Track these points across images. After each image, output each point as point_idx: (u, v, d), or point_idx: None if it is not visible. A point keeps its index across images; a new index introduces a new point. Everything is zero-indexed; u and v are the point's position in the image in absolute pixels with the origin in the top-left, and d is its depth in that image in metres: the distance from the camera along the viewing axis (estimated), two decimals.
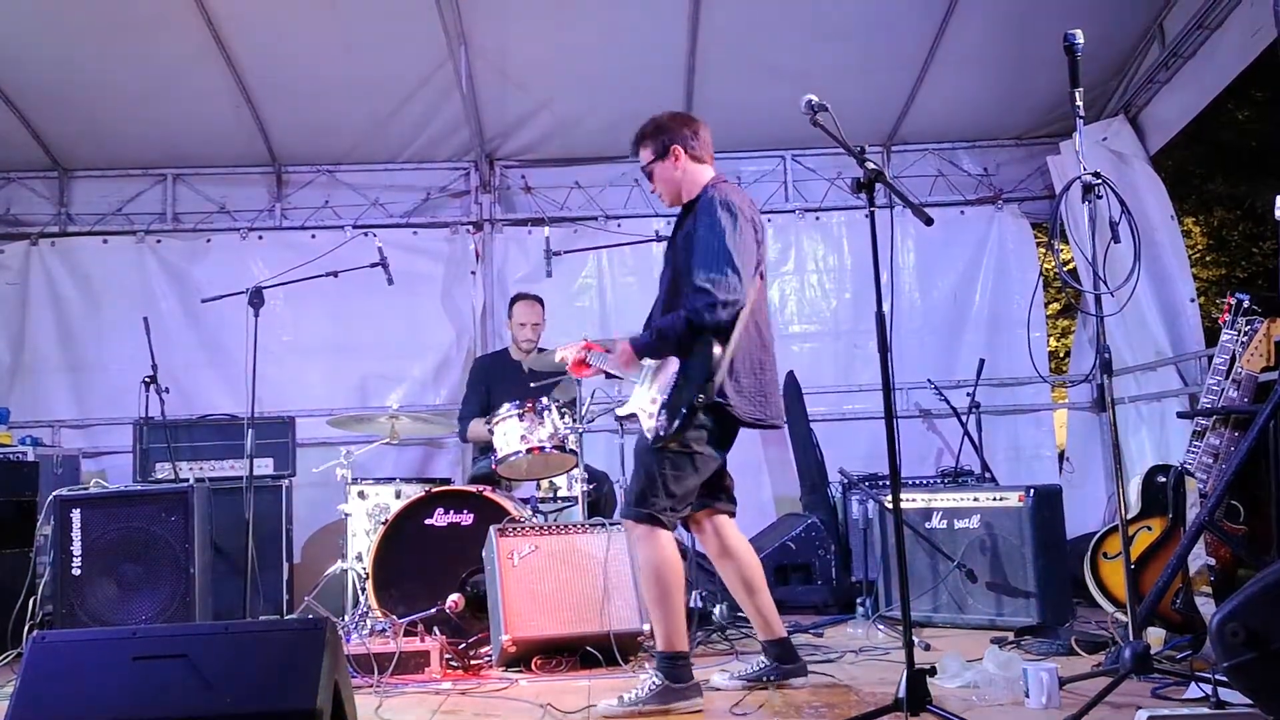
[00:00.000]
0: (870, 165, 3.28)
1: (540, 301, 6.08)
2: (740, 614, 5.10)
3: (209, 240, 7.11)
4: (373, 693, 3.96)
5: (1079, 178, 3.59)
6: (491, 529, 4.54)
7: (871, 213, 3.28)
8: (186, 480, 5.78)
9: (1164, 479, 4.23)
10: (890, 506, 3.65)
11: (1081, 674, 3.59)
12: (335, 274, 5.42)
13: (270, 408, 6.13)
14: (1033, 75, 6.50)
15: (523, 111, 6.86)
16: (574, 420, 5.03)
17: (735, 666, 4.04)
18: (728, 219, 3.61)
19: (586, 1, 6.09)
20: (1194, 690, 3.26)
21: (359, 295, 6.49)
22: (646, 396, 3.69)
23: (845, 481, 6.20)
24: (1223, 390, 4.33)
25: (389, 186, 7.22)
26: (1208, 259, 12.19)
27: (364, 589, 4.96)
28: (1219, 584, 4.01)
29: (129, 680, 2.47)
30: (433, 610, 4.63)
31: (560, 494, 5.44)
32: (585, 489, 5.09)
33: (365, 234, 6.43)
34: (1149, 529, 4.21)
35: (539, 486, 5.47)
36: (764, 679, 3.85)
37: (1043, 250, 8.24)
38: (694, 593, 5.03)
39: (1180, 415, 5.25)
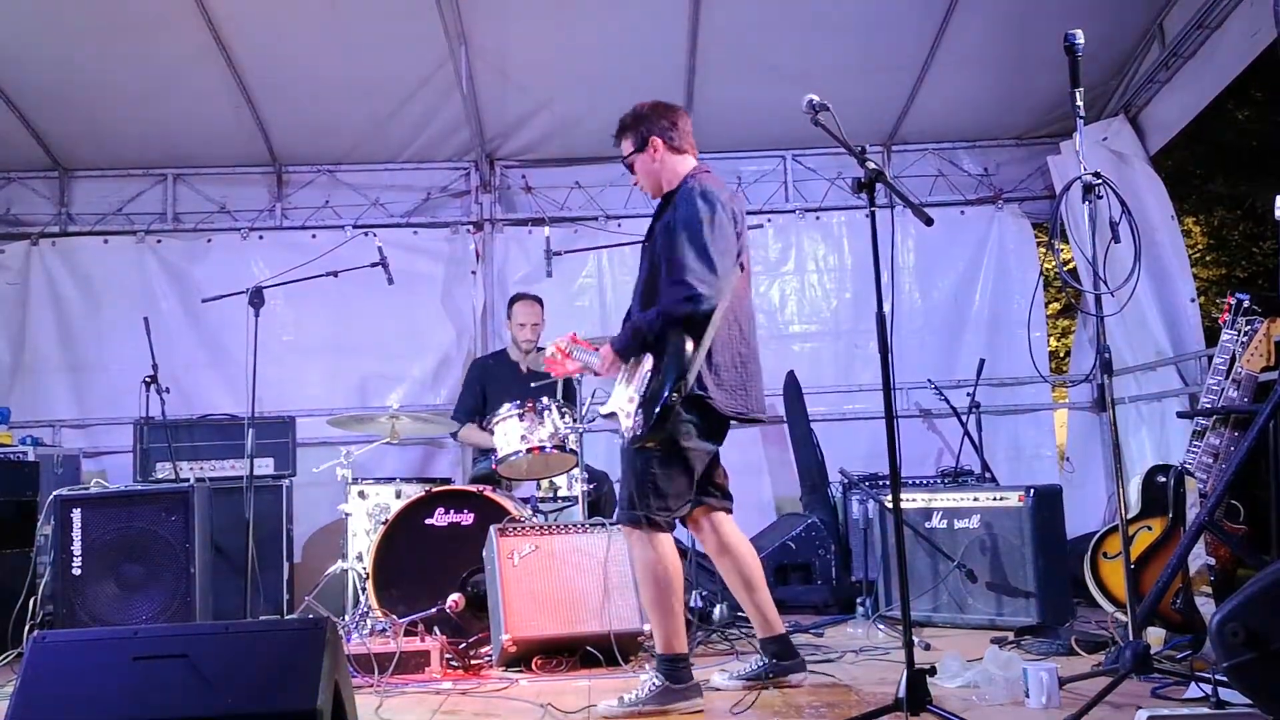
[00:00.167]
0: (871, 165, 3.28)
1: (540, 301, 6.09)
2: (741, 613, 5.11)
3: (209, 240, 7.11)
4: (373, 692, 3.97)
5: (1079, 178, 3.59)
6: (492, 529, 4.55)
7: (872, 213, 3.28)
8: (187, 480, 5.79)
9: (1164, 479, 4.23)
10: (890, 506, 3.65)
11: (1081, 674, 3.59)
12: (336, 274, 5.42)
13: (270, 408, 6.13)
14: (1033, 75, 6.50)
15: (523, 111, 6.86)
16: (574, 420, 5.03)
17: (735, 666, 4.04)
18: (706, 210, 3.57)
19: (587, 1, 6.09)
20: (1194, 690, 3.26)
21: (359, 295, 6.49)
22: (624, 395, 3.67)
23: (845, 481, 6.20)
24: (1223, 390, 4.33)
25: (389, 186, 7.23)
26: (1208, 259, 12.19)
27: (364, 589, 4.96)
28: (1219, 584, 4.02)
29: (129, 680, 2.47)
30: (433, 610, 4.63)
31: (560, 494, 5.44)
32: (585, 489, 5.09)
33: (366, 234, 6.42)
34: (1149, 529, 4.21)
35: (539, 486, 5.47)
36: (763, 676, 3.84)
37: (1043, 250, 8.24)
38: (694, 593, 5.03)
39: (1180, 415, 5.25)
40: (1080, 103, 3.65)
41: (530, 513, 5.15)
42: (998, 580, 5.01)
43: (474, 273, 7.08)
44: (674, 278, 3.51)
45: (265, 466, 6.00)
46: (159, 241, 7.07)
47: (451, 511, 4.97)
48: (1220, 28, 5.76)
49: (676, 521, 3.71)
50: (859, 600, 5.25)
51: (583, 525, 4.64)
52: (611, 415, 3.74)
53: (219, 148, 6.99)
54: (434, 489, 5.15)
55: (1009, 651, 4.08)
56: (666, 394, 3.43)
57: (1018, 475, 6.74)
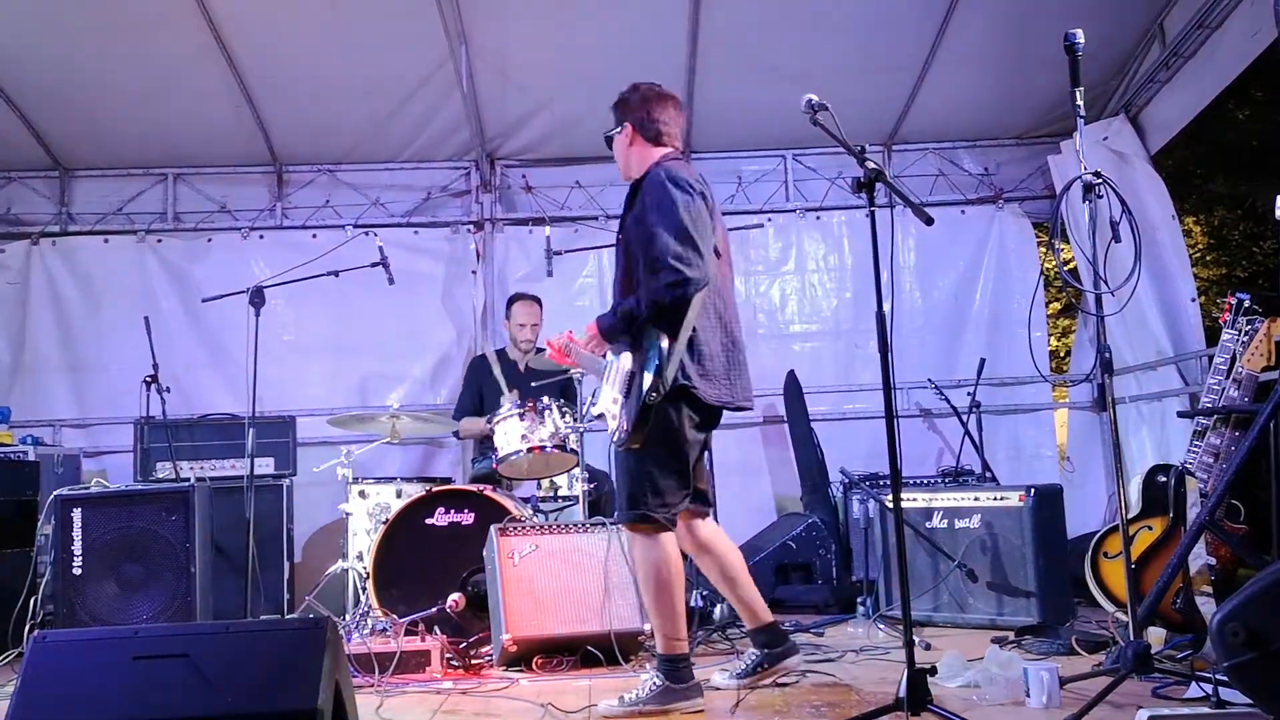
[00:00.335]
0: (871, 165, 3.27)
1: (538, 301, 6.09)
2: None
3: (210, 240, 7.11)
4: (374, 692, 3.97)
5: (1080, 177, 3.59)
6: (492, 528, 4.55)
7: (872, 212, 3.27)
8: (187, 480, 5.79)
9: (1165, 478, 4.23)
10: (891, 506, 3.65)
11: (1082, 674, 3.59)
12: (336, 273, 5.42)
13: (271, 407, 6.13)
14: (1033, 75, 6.50)
15: (523, 111, 6.86)
16: (575, 420, 5.03)
17: (735, 665, 4.04)
18: (679, 194, 3.52)
19: (587, 1, 6.09)
20: (1194, 690, 3.26)
21: (360, 295, 6.50)
22: (609, 396, 3.66)
23: (846, 481, 6.20)
24: (1223, 390, 4.33)
25: (390, 186, 7.23)
26: (1208, 258, 12.19)
27: (365, 588, 4.96)
28: (1219, 584, 4.01)
29: (130, 680, 2.47)
30: (433, 610, 4.63)
31: (561, 493, 5.44)
32: (586, 488, 5.09)
33: (366, 233, 6.40)
34: (1149, 528, 4.21)
35: (540, 486, 5.47)
36: (759, 669, 3.83)
37: (1043, 250, 8.25)
38: (694, 592, 5.03)
39: (1181, 415, 5.25)
40: (1081, 102, 3.65)
41: (531, 512, 5.15)
42: (998, 580, 5.01)
43: (474, 272, 7.09)
44: (655, 265, 3.46)
45: (266, 466, 6.00)
46: (159, 241, 7.07)
47: (452, 511, 4.97)
48: (1220, 27, 5.77)
49: (676, 518, 3.70)
50: (859, 600, 5.24)
51: (583, 525, 4.64)
52: (601, 416, 3.75)
53: (219, 147, 6.99)
54: (434, 488, 5.15)
55: (1009, 651, 4.09)
56: (645, 393, 3.42)
57: (1018, 475, 6.74)
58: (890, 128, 7.13)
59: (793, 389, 6.74)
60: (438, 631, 4.58)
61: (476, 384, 6.10)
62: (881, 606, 5.15)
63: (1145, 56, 6.42)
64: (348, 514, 5.29)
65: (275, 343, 6.51)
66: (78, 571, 4.87)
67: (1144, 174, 6.44)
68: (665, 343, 3.44)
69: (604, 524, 4.58)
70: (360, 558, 5.14)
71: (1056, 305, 11.16)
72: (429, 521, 4.95)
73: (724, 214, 6.94)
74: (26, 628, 4.89)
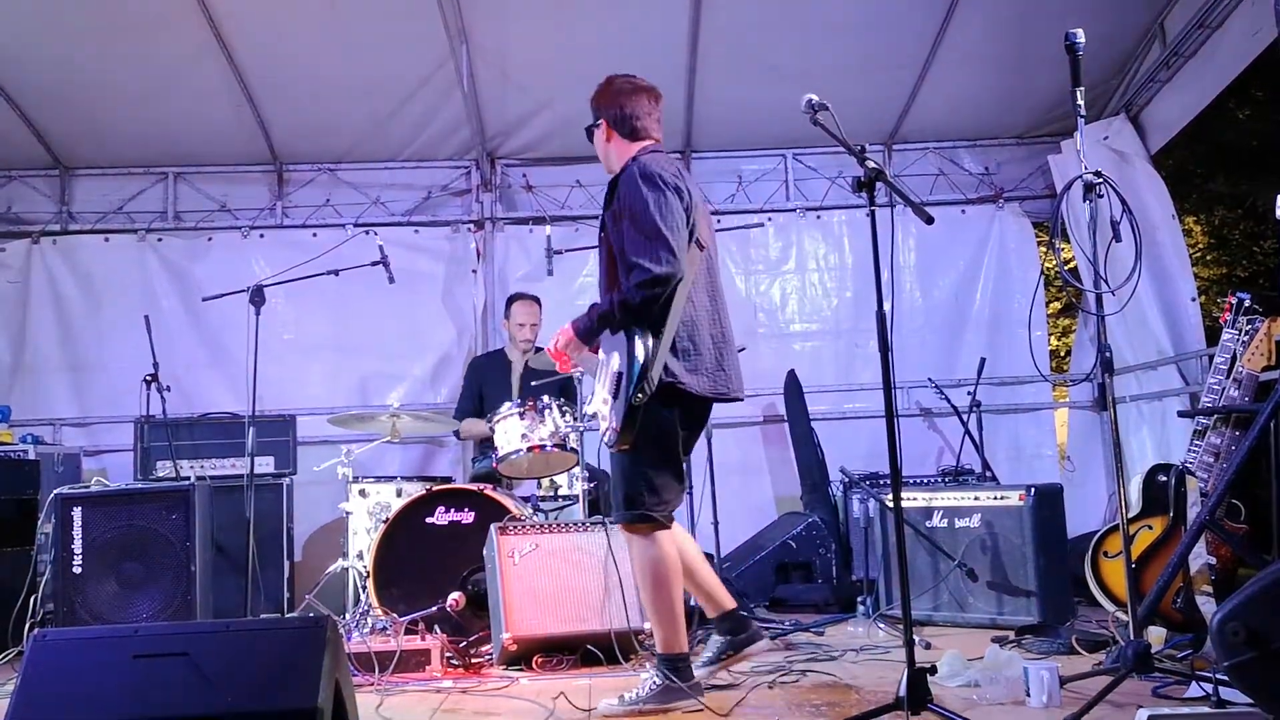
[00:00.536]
0: (871, 164, 3.27)
1: (538, 301, 6.10)
2: (741, 612, 5.12)
3: (210, 239, 7.11)
4: (374, 691, 3.97)
5: (1080, 177, 3.59)
6: (492, 527, 4.55)
7: (872, 212, 3.27)
8: (187, 479, 5.79)
9: (1165, 478, 4.23)
10: (891, 505, 3.65)
11: (1082, 673, 3.59)
12: (336, 272, 5.42)
13: (271, 406, 6.15)
14: (1034, 74, 6.50)
15: (524, 110, 6.86)
16: (575, 419, 5.03)
17: (701, 652, 3.97)
18: (650, 190, 3.50)
19: (587, 1, 6.09)
20: (1195, 689, 3.26)
21: (360, 294, 6.50)
22: (600, 397, 3.67)
23: (846, 480, 6.20)
24: (1224, 389, 4.33)
25: (390, 185, 7.23)
26: (1209, 258, 12.19)
27: (365, 587, 4.96)
28: (1220, 583, 4.02)
29: (130, 678, 2.47)
30: (434, 609, 4.63)
31: (561, 492, 5.44)
32: (586, 487, 5.09)
33: (366, 232, 6.42)
34: (1150, 528, 4.22)
35: (540, 485, 5.47)
36: (723, 656, 3.83)
37: (1044, 249, 8.25)
38: None
39: (1181, 414, 5.25)
40: (1081, 102, 3.64)
41: (531, 511, 5.15)
42: (998, 579, 5.01)
43: (475, 271, 7.08)
44: (628, 263, 3.47)
45: (266, 465, 6.00)
46: (160, 240, 7.07)
47: (452, 510, 4.97)
48: (1221, 27, 5.77)
49: (673, 516, 3.69)
50: (859, 599, 5.25)
51: (583, 524, 4.64)
52: (594, 416, 3.75)
53: (220, 146, 6.99)
54: (434, 487, 5.15)
55: (1010, 650, 4.09)
56: (630, 393, 3.41)
57: (1018, 474, 6.74)
58: (891, 127, 7.13)
59: (793, 388, 6.74)
60: (438, 630, 4.58)
61: (477, 385, 6.10)
62: (881, 606, 5.15)
63: (1146, 56, 6.42)
64: (348, 513, 5.29)
65: (275, 342, 6.51)
66: (78, 570, 4.87)
67: (1144, 173, 6.44)
68: (650, 341, 3.44)
69: (604, 523, 4.57)
70: (360, 557, 5.14)
71: (1057, 305, 11.16)
72: (429, 520, 4.95)
73: (724, 213, 7.09)
74: (27, 626, 4.90)
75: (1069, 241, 6.14)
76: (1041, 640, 4.40)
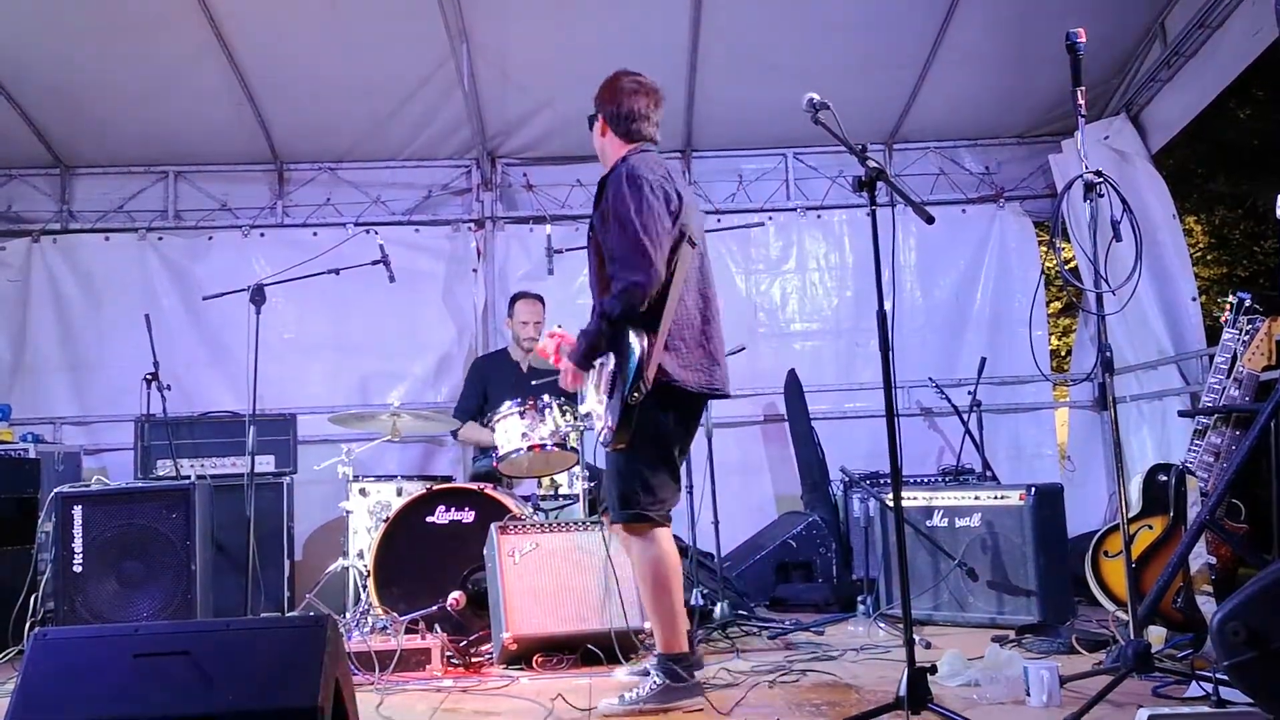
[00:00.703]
0: (872, 163, 3.27)
1: (541, 300, 6.09)
2: (742, 612, 5.13)
3: (211, 238, 7.11)
4: (374, 690, 3.97)
5: (1081, 176, 3.59)
6: (493, 526, 4.55)
7: (873, 211, 3.27)
8: (188, 477, 5.79)
9: (1165, 477, 4.23)
10: (891, 504, 3.65)
11: (1082, 672, 3.59)
12: (337, 271, 5.42)
13: (271, 405, 6.14)
14: (1034, 74, 6.50)
15: (524, 110, 6.86)
16: (575, 418, 5.03)
17: (637, 664, 4.03)
18: (633, 193, 3.51)
19: (588, 1, 6.09)
20: (1195, 689, 3.26)
21: (360, 293, 6.49)
22: (594, 397, 3.67)
23: (846, 479, 6.20)
24: (1224, 389, 4.33)
25: (390, 184, 7.22)
26: (1209, 258, 12.19)
27: (365, 586, 4.96)
28: (1220, 583, 4.01)
29: (130, 677, 2.47)
30: (434, 608, 4.63)
31: (561, 491, 5.43)
32: (586, 486, 5.09)
33: (367, 231, 6.43)
34: (1150, 528, 4.21)
35: (540, 484, 5.47)
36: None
37: (1044, 249, 8.25)
38: (694, 591, 5.03)
39: (1181, 414, 5.25)
40: (1082, 101, 3.65)
41: (531, 511, 5.15)
42: (999, 579, 5.01)
43: (475, 271, 7.08)
44: (612, 271, 3.49)
45: (266, 464, 6.00)
46: (160, 239, 7.07)
47: (452, 509, 4.97)
48: (1222, 27, 5.77)
49: (670, 515, 3.69)
50: (860, 598, 5.25)
51: (584, 523, 4.64)
52: (589, 415, 3.75)
53: (220, 145, 6.99)
54: (435, 487, 5.15)
55: (1010, 650, 4.09)
56: (626, 394, 3.41)
57: (1019, 474, 6.73)
58: (891, 126, 7.13)
59: (793, 387, 6.74)
60: (438, 630, 4.58)
61: (481, 385, 6.08)
62: (882, 605, 5.15)
63: (1146, 56, 6.42)
64: (348, 512, 5.29)
65: (276, 341, 6.51)
66: (78, 569, 4.88)
67: (1145, 173, 6.43)
68: (645, 341, 3.44)
69: (604, 522, 4.57)
70: (361, 556, 5.14)
71: (1057, 304, 11.16)
72: (429, 520, 4.95)
73: (725, 213, 7.10)
74: (27, 625, 4.90)
75: (1069, 241, 6.13)
76: (1042, 640, 4.40)
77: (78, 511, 4.92)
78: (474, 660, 4.45)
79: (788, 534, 6.10)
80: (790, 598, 5.89)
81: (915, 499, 5.28)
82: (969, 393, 6.61)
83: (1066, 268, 4.00)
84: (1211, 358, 4.67)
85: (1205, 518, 3.75)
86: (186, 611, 4.88)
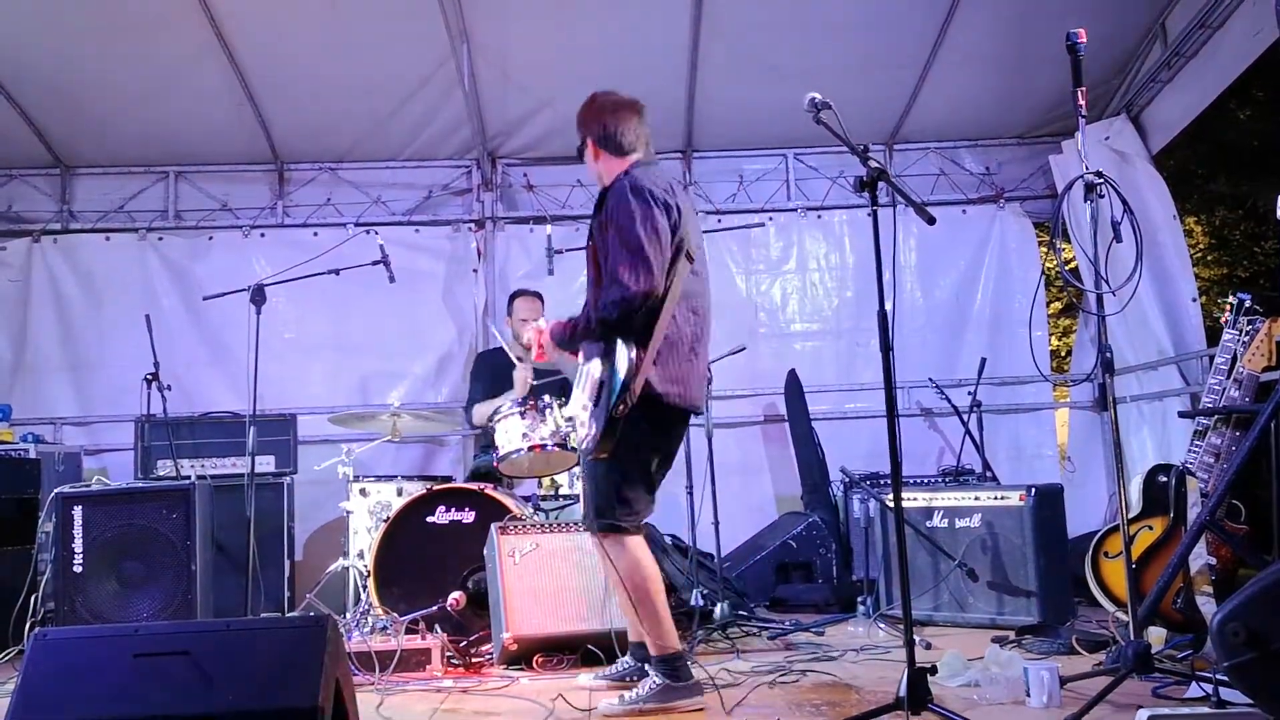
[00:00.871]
0: (873, 164, 3.27)
1: (540, 297, 6.08)
2: (742, 612, 5.13)
3: (211, 238, 7.11)
4: (374, 690, 3.97)
5: (1081, 177, 3.59)
6: (493, 527, 4.55)
7: (874, 211, 3.27)
8: (188, 478, 5.79)
9: (1165, 478, 4.23)
10: (891, 505, 3.65)
11: (1082, 673, 3.59)
12: (337, 271, 5.41)
13: (272, 405, 6.14)
14: (1035, 74, 6.50)
15: (524, 110, 6.86)
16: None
17: (608, 669, 4.04)
18: (637, 206, 3.52)
19: (588, 1, 6.09)
20: (1195, 690, 3.26)
21: (361, 293, 6.49)
22: (579, 403, 3.67)
23: (846, 480, 6.20)
24: (1224, 390, 4.33)
25: (391, 184, 7.23)
26: (1209, 258, 12.19)
27: (365, 586, 4.96)
28: (1220, 583, 4.01)
29: (130, 677, 2.47)
30: (434, 608, 4.63)
31: (561, 491, 5.43)
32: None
33: (367, 232, 6.42)
34: (1150, 528, 4.21)
35: (540, 484, 5.46)
36: (627, 679, 3.85)
37: (1045, 249, 8.25)
38: (694, 590, 5.03)
39: (1182, 415, 5.25)
40: (1082, 102, 3.65)
41: (531, 511, 5.15)
42: (999, 579, 5.01)
43: (475, 271, 7.08)
44: (607, 280, 3.51)
45: (266, 464, 6.00)
46: (160, 239, 7.07)
47: (453, 509, 4.97)
48: (1222, 27, 5.77)
49: (642, 523, 3.71)
50: (860, 599, 5.25)
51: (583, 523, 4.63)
52: (571, 420, 3.77)
53: (221, 145, 7.00)
54: (435, 487, 5.15)
55: (1010, 650, 4.09)
56: (613, 404, 3.42)
57: (1019, 474, 6.73)
58: (892, 127, 7.13)
59: (793, 388, 6.74)
60: (438, 630, 4.58)
61: (490, 374, 6.05)
62: (882, 605, 5.15)
63: (1147, 56, 6.42)
64: (348, 512, 5.29)
65: (276, 341, 6.51)
66: (78, 569, 4.88)
67: (1145, 174, 6.43)
68: (634, 353, 3.45)
69: None
70: (361, 556, 5.14)
71: (1057, 305, 11.16)
72: (430, 520, 4.95)
73: (725, 213, 7.10)
74: (27, 625, 4.90)
75: (1070, 241, 6.13)
76: (1042, 640, 4.40)
77: (78, 512, 4.92)
78: (474, 660, 4.45)
79: (788, 534, 6.10)
80: (790, 598, 5.89)
81: (915, 499, 5.28)
82: (969, 393, 6.61)
83: (1067, 268, 4.00)
84: (1211, 358, 4.67)
85: (1205, 518, 3.75)
86: (186, 612, 4.88)
